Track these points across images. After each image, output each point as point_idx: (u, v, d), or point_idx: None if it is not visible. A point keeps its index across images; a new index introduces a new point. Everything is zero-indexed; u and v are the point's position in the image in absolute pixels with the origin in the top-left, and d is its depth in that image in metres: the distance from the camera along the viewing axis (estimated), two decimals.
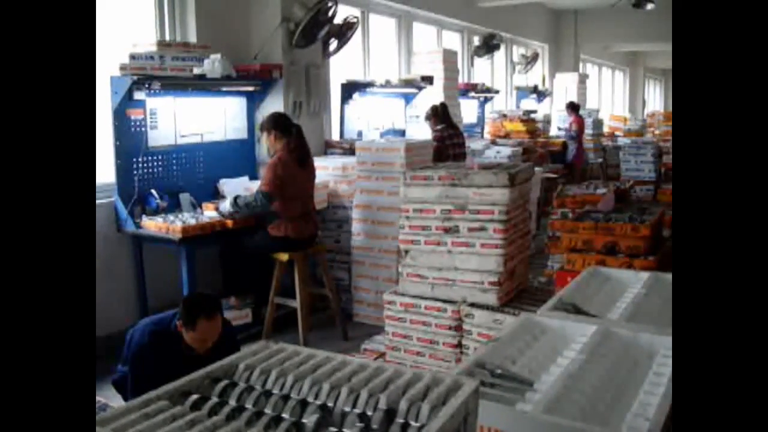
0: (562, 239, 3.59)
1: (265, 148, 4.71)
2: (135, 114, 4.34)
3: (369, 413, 1.26)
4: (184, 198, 4.59)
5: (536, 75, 11.70)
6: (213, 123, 4.96)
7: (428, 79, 7.09)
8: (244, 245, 4.35)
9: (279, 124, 4.33)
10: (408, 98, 7.28)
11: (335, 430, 1.23)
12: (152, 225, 4.17)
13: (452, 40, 9.22)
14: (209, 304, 2.79)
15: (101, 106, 4.08)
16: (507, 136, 9.15)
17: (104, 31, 4.20)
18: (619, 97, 17.65)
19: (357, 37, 6.29)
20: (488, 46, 9.51)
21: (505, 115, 9.52)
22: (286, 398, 1.33)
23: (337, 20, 5.66)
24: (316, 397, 1.33)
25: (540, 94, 11.16)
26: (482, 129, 9.38)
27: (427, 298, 3.47)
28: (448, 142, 5.96)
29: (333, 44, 5.86)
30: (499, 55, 10.29)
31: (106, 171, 4.30)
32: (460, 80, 8.30)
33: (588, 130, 10.50)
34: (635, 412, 1.59)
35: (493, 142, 8.35)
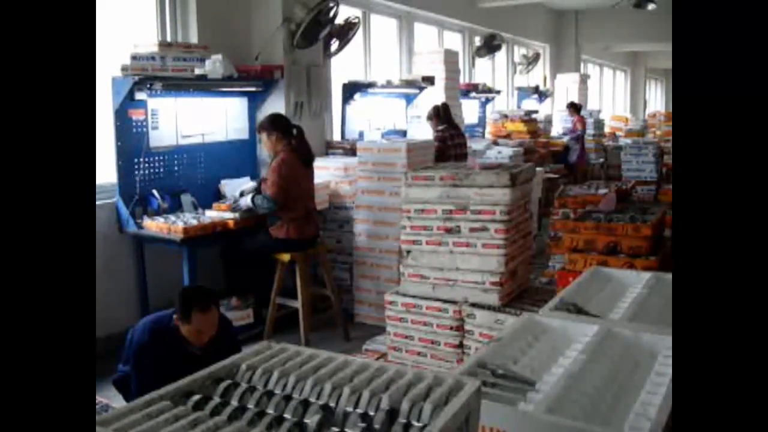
0: (564, 239, 3.59)
1: (265, 149, 4.70)
2: (136, 114, 4.34)
3: (371, 413, 1.26)
4: (186, 198, 4.60)
5: (537, 75, 11.69)
6: (214, 123, 4.96)
7: (429, 80, 7.08)
8: (246, 246, 4.35)
9: (279, 125, 4.33)
10: (409, 99, 7.28)
11: (337, 430, 1.23)
12: (153, 225, 4.17)
13: (453, 41, 9.21)
14: (203, 296, 2.81)
15: (103, 106, 4.09)
16: (508, 136, 9.13)
17: (105, 31, 4.21)
18: (620, 98, 17.63)
19: (358, 37, 6.28)
20: (489, 47, 9.51)
21: (506, 116, 9.51)
22: (288, 398, 1.33)
23: (338, 21, 5.66)
24: (318, 397, 1.34)
25: (541, 95, 11.15)
26: (483, 129, 9.38)
27: (429, 299, 3.47)
28: (450, 142, 5.95)
29: (334, 45, 5.86)
30: (500, 55, 10.29)
31: (107, 171, 4.30)
32: (461, 81, 8.28)
33: (589, 131, 10.52)
34: (637, 412, 1.59)
35: (495, 143, 8.34)
